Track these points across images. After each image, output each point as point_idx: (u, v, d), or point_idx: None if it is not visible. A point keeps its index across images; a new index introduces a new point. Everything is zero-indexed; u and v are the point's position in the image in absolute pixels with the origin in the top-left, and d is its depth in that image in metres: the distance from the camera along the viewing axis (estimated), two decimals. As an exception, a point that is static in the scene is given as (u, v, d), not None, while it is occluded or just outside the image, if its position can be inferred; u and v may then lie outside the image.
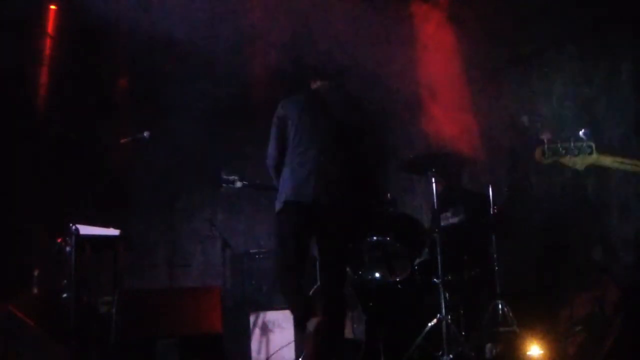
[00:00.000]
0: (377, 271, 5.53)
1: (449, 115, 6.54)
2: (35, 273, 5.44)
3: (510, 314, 5.01)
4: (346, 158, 4.28)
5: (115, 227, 5.37)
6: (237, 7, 6.88)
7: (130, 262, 6.58)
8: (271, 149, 4.44)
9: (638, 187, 5.22)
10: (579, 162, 3.15)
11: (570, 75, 5.85)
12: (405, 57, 6.63)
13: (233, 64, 7.12)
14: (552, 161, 3.16)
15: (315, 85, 4.57)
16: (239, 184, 5.08)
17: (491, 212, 5.30)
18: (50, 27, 7.37)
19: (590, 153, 3.13)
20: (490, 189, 5.41)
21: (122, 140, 5.53)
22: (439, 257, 4.98)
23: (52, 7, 7.34)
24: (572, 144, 3.13)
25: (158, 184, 7.71)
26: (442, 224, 5.61)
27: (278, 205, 4.30)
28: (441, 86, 6.41)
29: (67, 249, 5.07)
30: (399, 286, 5.35)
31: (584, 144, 3.13)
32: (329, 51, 6.73)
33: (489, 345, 4.99)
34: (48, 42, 7.39)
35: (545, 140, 3.15)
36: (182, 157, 7.82)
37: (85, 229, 5.13)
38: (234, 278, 7.12)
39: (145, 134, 5.42)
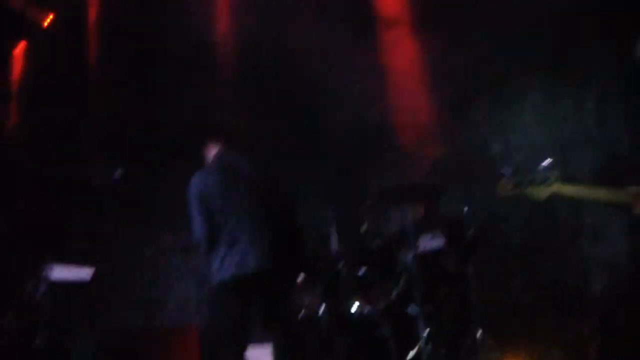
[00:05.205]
0: (354, 303, 5.51)
1: (421, 143, 6.59)
2: (6, 319, 5.31)
3: (490, 341, 5.01)
4: (275, 218, 4.40)
5: (89, 266, 5.29)
6: (206, 21, 6.89)
7: (105, 300, 6.48)
8: (199, 227, 4.35)
9: (607, 210, 5.29)
10: (541, 193, 3.22)
11: (537, 102, 5.95)
12: (377, 86, 6.68)
13: (201, 97, 7.11)
14: (514, 193, 3.22)
15: (214, 150, 4.58)
16: None
17: (467, 239, 5.32)
18: (19, 61, 7.31)
19: (552, 183, 3.20)
20: (465, 216, 5.43)
21: (93, 179, 5.46)
22: (416, 287, 4.97)
23: (22, 43, 7.29)
24: (533, 176, 3.20)
25: (131, 219, 7.63)
26: (421, 248, 5.61)
27: (219, 279, 4.34)
28: (413, 114, 6.47)
29: (40, 291, 4.97)
30: (378, 317, 5.32)
31: (545, 175, 3.21)
32: (299, 80, 6.79)
33: (470, 374, 4.98)
34: (17, 77, 7.33)
35: (506, 174, 3.21)
36: (155, 191, 7.75)
37: (58, 270, 5.05)
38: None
39: (117, 172, 5.36)
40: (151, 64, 6.99)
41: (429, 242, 5.69)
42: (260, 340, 5.88)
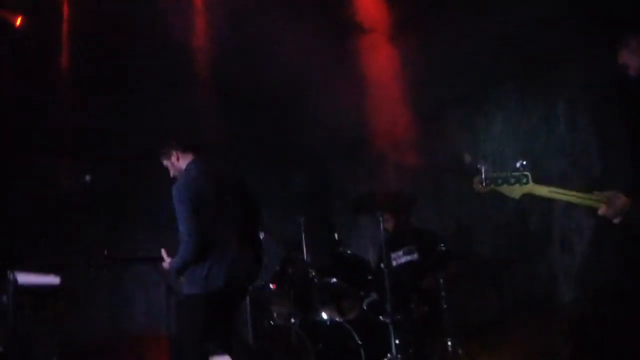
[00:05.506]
0: (325, 312, 5.49)
1: (394, 153, 6.62)
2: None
3: (460, 351, 5.03)
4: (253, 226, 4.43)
5: (55, 274, 5.18)
6: (181, 27, 6.84)
7: (72, 308, 6.36)
8: (193, 231, 4.14)
9: (577, 220, 5.37)
10: (515, 191, 3.25)
11: (510, 113, 6.02)
12: (351, 96, 6.69)
13: (174, 104, 7.05)
14: (489, 190, 3.24)
15: (187, 159, 4.46)
16: None
17: (438, 250, 5.35)
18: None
19: (526, 182, 3.23)
20: (436, 227, 5.45)
21: (63, 184, 5.36)
22: (387, 297, 4.97)
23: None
24: (508, 174, 3.23)
25: (99, 226, 7.51)
26: (394, 263, 5.63)
27: (204, 289, 4.20)
28: (386, 125, 6.50)
29: (4, 298, 4.86)
30: (349, 327, 5.30)
31: (520, 174, 3.23)
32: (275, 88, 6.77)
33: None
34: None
35: (483, 170, 3.23)
36: (125, 196, 7.66)
37: (23, 277, 4.93)
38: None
39: (87, 177, 5.25)
40: (123, 68, 6.91)
41: (402, 256, 5.71)
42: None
